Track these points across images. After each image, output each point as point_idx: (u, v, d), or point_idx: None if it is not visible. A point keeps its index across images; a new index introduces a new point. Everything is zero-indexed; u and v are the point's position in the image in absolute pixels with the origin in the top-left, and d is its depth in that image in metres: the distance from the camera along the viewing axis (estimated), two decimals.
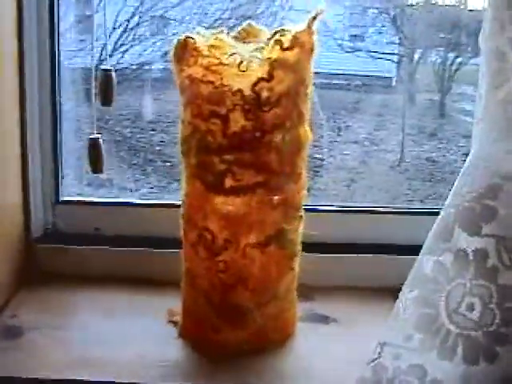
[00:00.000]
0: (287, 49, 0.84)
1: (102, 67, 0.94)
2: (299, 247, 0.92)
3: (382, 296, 1.05)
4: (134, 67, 1.58)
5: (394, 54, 1.70)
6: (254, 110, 0.83)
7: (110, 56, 1.42)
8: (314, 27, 0.86)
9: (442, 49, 1.68)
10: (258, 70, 0.83)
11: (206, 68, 0.84)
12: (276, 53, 0.84)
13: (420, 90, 1.72)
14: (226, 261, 0.88)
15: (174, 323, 0.98)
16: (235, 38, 0.91)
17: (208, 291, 0.90)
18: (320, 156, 1.56)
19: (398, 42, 1.68)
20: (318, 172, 1.57)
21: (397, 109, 1.73)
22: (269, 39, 0.86)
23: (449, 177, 1.60)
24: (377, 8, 1.63)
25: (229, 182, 0.85)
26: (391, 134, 1.70)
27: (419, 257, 0.80)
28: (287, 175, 0.87)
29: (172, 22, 1.54)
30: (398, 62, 1.72)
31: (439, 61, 1.70)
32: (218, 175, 0.85)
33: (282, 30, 0.87)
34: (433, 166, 1.65)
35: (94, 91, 0.95)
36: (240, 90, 0.83)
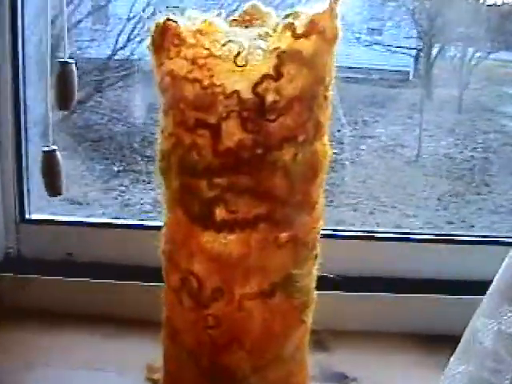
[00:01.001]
0: (301, 36, 0.59)
1: (59, 59, 0.69)
2: (313, 294, 0.68)
3: (413, 345, 0.81)
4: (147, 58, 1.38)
5: (411, 48, 1.63)
6: (255, 119, 0.59)
7: (125, 47, 1.37)
8: (338, 9, 0.61)
9: (460, 43, 1.60)
10: (262, 65, 0.59)
11: (192, 61, 0.60)
12: (286, 41, 0.59)
13: (438, 84, 1.65)
14: (216, 315, 0.64)
15: (154, 382, 0.74)
16: (235, 22, 0.67)
17: (194, 350, 0.66)
18: (335, 151, 1.38)
19: (416, 35, 1.61)
20: (332, 168, 1.38)
21: (414, 103, 1.65)
22: (277, 24, 0.61)
23: (467, 174, 1.54)
24: (395, 1, 1.56)
25: (220, 214, 0.61)
26: (408, 129, 1.63)
27: (474, 319, 0.56)
28: (298, 205, 0.62)
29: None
30: (416, 56, 1.65)
31: (458, 55, 1.63)
32: (206, 204, 0.61)
33: (295, 12, 0.62)
34: (450, 163, 1.57)
35: (47, 89, 0.71)
36: (236, 92, 0.58)
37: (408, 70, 1.65)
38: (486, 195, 1.56)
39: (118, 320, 0.83)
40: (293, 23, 0.59)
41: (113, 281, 0.84)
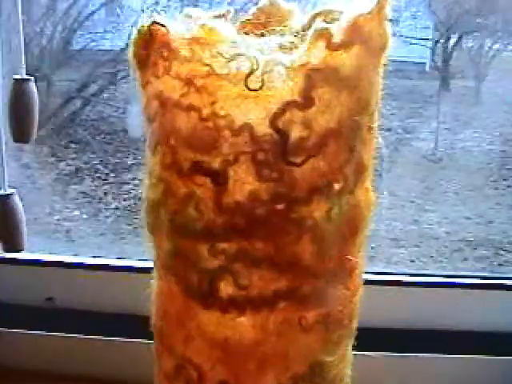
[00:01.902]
0: (340, 47, 0.40)
1: (15, 76, 0.49)
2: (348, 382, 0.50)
3: None
4: None
5: (428, 39, 1.55)
6: (274, 163, 0.41)
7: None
8: (388, 9, 0.42)
9: (478, 34, 1.55)
10: (284, 89, 0.40)
11: (187, 82, 0.41)
12: (319, 55, 0.40)
13: (455, 76, 1.60)
14: None
15: None
16: (246, 25, 0.48)
17: None
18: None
19: (432, 26, 1.55)
20: None
21: (431, 95, 1.59)
22: (305, 29, 0.42)
23: (485, 167, 1.47)
24: None
25: (226, 290, 0.43)
26: (425, 121, 1.55)
27: None
28: (332, 275, 0.44)
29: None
30: (433, 48, 1.58)
31: (476, 47, 1.57)
32: (208, 276, 0.43)
33: (328, 10, 0.43)
34: (468, 156, 1.50)
35: None
36: (248, 127, 0.40)
37: (424, 61, 1.59)
38: (505, 189, 1.47)
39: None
40: (327, 29, 0.40)
41: (102, 337, 0.66)
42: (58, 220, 1.45)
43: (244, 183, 0.41)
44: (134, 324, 0.56)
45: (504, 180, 1.48)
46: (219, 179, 0.41)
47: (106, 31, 1.38)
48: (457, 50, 1.54)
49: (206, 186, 0.42)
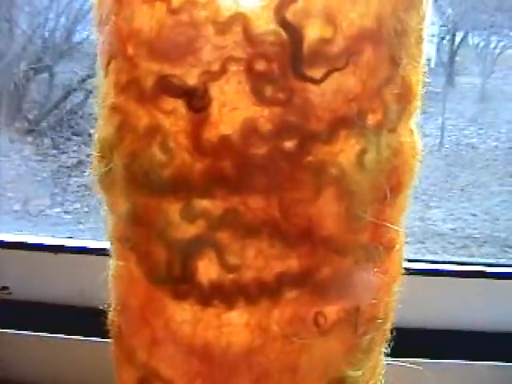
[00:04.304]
0: None
1: None
2: None
3: None
4: None
5: (434, 35, 1.41)
6: (280, 78, 0.24)
7: None
8: None
9: (484, 31, 1.42)
10: None
11: None
12: None
13: (460, 72, 1.49)
14: None
15: None
16: None
17: None
18: None
19: (438, 22, 1.42)
20: None
21: (436, 92, 1.48)
22: None
23: (491, 164, 1.37)
24: None
25: (208, 272, 0.26)
26: (430, 117, 1.42)
27: None
28: (363, 252, 0.27)
29: None
30: (439, 44, 1.45)
31: (482, 44, 1.44)
32: (180, 252, 0.26)
33: None
34: (473, 153, 1.40)
35: None
36: (242, 19, 0.24)
37: (430, 57, 1.44)
38: (511, 186, 1.41)
39: None
40: None
41: (63, 335, 0.49)
42: (58, 213, 1.32)
43: (234, 108, 0.24)
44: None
45: (510, 177, 1.40)
46: (197, 102, 0.24)
47: None
48: (463, 46, 1.42)
49: (178, 113, 0.25)
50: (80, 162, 1.43)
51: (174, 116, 0.25)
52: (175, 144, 0.25)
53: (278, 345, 0.27)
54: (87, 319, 0.46)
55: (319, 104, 0.25)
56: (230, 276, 0.26)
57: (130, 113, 0.26)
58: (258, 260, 0.26)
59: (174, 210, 0.26)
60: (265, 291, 0.26)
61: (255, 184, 0.25)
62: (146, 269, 0.27)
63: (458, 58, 1.43)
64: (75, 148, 1.47)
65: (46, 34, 1.42)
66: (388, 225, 0.27)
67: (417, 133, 0.29)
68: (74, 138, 1.51)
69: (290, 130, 0.25)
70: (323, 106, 0.25)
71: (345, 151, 0.25)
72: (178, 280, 0.26)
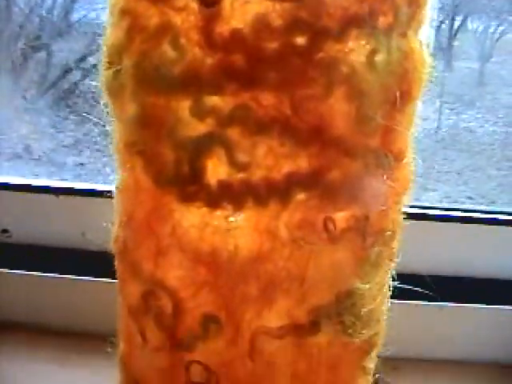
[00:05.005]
0: None
1: None
2: (383, 323, 0.33)
3: None
4: None
5: (433, 19, 1.37)
6: None
7: None
8: None
9: (483, 16, 1.40)
10: None
11: None
12: None
13: (459, 57, 1.42)
14: (206, 364, 0.29)
15: None
16: None
17: None
18: None
19: (437, 6, 1.32)
20: None
21: (434, 75, 1.46)
22: None
23: (487, 148, 1.35)
24: None
25: (217, 172, 0.26)
26: (427, 101, 1.40)
27: None
28: (373, 157, 0.27)
29: None
30: (437, 28, 1.37)
31: (481, 28, 1.41)
32: (188, 151, 0.26)
33: None
34: (471, 137, 1.36)
35: None
36: None
37: (428, 41, 1.46)
38: (507, 170, 1.42)
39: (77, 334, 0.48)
40: None
41: (70, 275, 0.49)
42: None
43: (246, 2, 0.24)
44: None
45: (507, 161, 1.41)
46: None
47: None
48: (462, 31, 1.47)
49: (189, 8, 0.25)
50: (77, 141, 1.42)
51: (185, 12, 0.25)
52: (186, 40, 0.25)
53: (287, 250, 0.27)
54: (89, 261, 0.46)
55: (331, 1, 0.25)
56: (239, 175, 0.26)
57: (140, 14, 0.26)
58: (268, 158, 0.25)
59: (183, 107, 0.25)
60: (274, 192, 0.26)
61: (266, 79, 0.25)
62: (153, 172, 0.27)
63: (456, 43, 1.48)
64: (73, 127, 1.47)
65: (44, 12, 1.41)
66: (398, 129, 0.27)
67: (426, 47, 0.29)
68: (72, 116, 1.50)
69: (301, 26, 0.24)
70: (335, 3, 0.25)
71: (356, 51, 0.25)
72: (186, 181, 0.26)
